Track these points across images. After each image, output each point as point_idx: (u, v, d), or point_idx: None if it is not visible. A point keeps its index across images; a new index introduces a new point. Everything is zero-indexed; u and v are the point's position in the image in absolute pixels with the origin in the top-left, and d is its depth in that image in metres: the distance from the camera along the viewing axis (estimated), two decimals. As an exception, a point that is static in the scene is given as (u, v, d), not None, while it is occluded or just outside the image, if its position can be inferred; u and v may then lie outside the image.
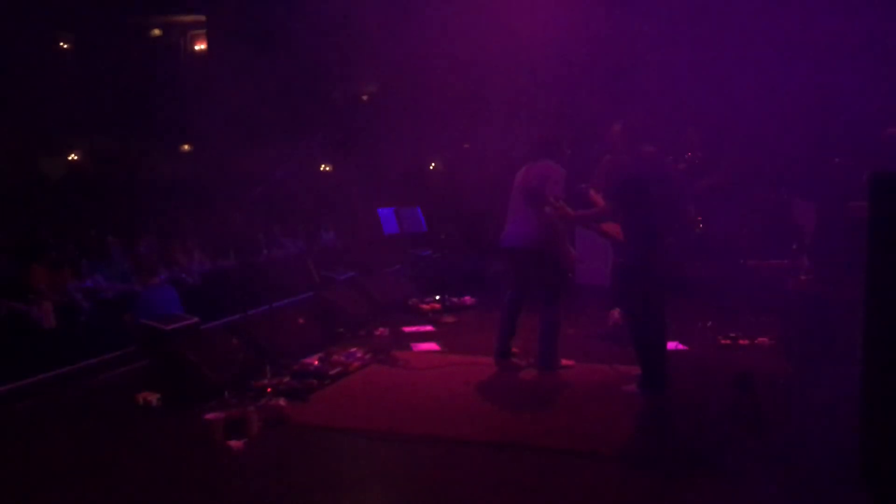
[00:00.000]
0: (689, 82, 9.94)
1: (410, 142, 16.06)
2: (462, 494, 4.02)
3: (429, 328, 8.07)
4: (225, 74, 15.28)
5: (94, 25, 17.62)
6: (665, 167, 5.62)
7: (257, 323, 6.66)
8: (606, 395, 5.61)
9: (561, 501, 3.94)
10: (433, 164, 19.53)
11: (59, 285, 8.06)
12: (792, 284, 5.90)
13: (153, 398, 5.47)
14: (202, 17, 19.60)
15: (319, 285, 9.32)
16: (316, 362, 6.33)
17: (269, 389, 5.62)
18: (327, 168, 19.64)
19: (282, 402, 5.31)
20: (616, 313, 7.29)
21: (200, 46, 20.16)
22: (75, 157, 18.83)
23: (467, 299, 9.34)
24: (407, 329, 7.97)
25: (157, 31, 19.97)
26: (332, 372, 6.11)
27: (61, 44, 18.63)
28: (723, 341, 6.96)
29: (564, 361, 6.32)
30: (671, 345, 6.50)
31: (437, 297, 9.21)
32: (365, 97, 19.30)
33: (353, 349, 6.73)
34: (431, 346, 7.27)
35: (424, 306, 9.00)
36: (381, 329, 7.80)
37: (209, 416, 4.84)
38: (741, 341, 6.93)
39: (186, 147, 19.54)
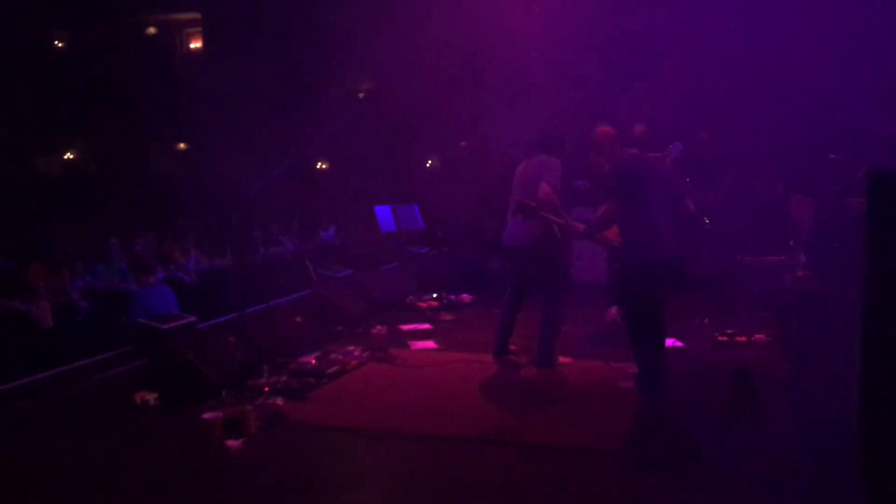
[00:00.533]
0: (686, 80, 9.94)
1: (407, 139, 16.06)
2: (460, 492, 4.02)
3: (426, 326, 8.06)
4: (220, 72, 15.26)
5: (89, 24, 17.58)
6: (659, 166, 5.59)
7: (254, 322, 6.65)
8: (604, 393, 5.62)
9: (560, 498, 3.94)
10: (430, 162, 19.53)
11: (57, 285, 8.05)
12: (789, 281, 5.89)
13: (151, 397, 5.46)
14: (197, 16, 19.56)
15: (317, 283, 9.31)
16: (313, 361, 6.33)
17: (266, 388, 5.61)
18: (324, 166, 19.63)
19: (279, 401, 5.31)
20: (613, 311, 7.30)
21: (196, 44, 20.12)
22: (71, 156, 18.80)
23: (465, 297, 9.34)
24: (404, 327, 7.97)
25: (152, 30, 19.92)
26: (330, 370, 6.11)
27: (56, 42, 18.58)
28: (720, 338, 6.97)
29: (562, 359, 6.33)
30: (668, 342, 6.49)
31: (435, 295, 9.21)
32: (361, 94, 19.28)
33: (351, 347, 6.73)
34: (429, 344, 7.27)
35: (422, 304, 9.00)
36: (378, 327, 7.80)
37: (207, 415, 4.83)
38: (738, 338, 6.94)
39: (182, 145, 19.51)
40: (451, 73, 13.13)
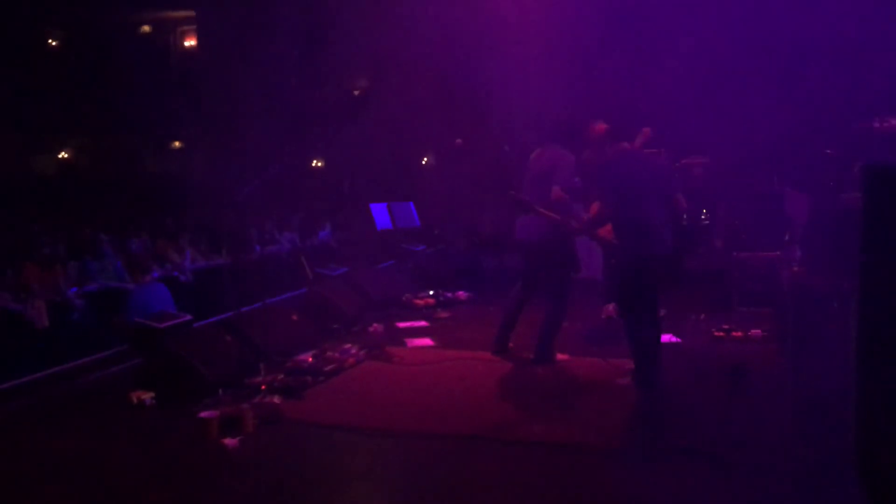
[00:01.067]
0: (681, 76, 9.94)
1: (403, 136, 16.03)
2: (457, 489, 4.02)
3: (423, 324, 8.06)
4: (215, 71, 15.23)
5: (83, 22, 17.54)
6: (651, 161, 5.58)
7: (251, 320, 6.64)
8: (601, 389, 5.62)
9: (556, 494, 3.95)
10: (425, 159, 19.51)
11: (52, 284, 8.03)
12: (785, 276, 5.90)
13: (147, 397, 5.45)
14: (192, 13, 19.52)
15: (313, 282, 9.30)
16: (310, 359, 6.32)
17: (263, 387, 5.61)
18: (319, 164, 19.61)
19: (276, 399, 5.31)
20: (610, 307, 7.30)
21: (190, 43, 20.07)
22: (66, 155, 18.76)
23: (461, 294, 9.34)
24: (401, 325, 7.97)
25: (146, 28, 19.87)
26: (327, 369, 6.11)
27: (50, 41, 18.54)
28: (716, 334, 6.98)
29: (559, 356, 6.33)
30: (665, 337, 6.51)
31: (431, 293, 9.21)
32: (356, 92, 19.25)
33: (348, 345, 6.72)
34: (426, 341, 7.27)
35: (418, 302, 9.00)
36: (375, 325, 7.79)
37: (204, 414, 4.84)
38: (735, 333, 6.95)
39: (177, 144, 19.48)
40: (447, 70, 13.10)
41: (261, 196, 7.90)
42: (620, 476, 4.14)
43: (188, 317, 7.22)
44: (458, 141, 15.26)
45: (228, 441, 4.63)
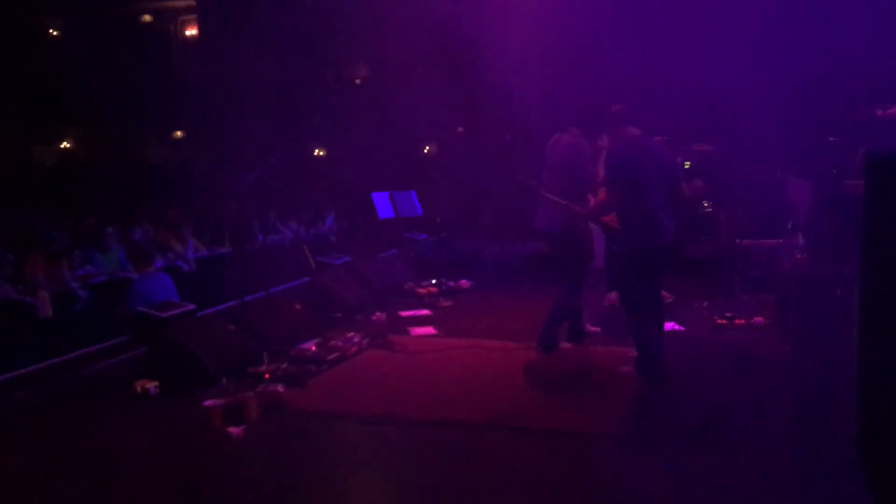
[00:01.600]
0: (684, 64, 9.90)
1: (405, 125, 16.01)
2: (460, 477, 4.04)
3: (426, 312, 8.07)
4: (216, 60, 15.20)
5: (83, 12, 17.49)
6: (656, 148, 5.53)
7: (254, 309, 6.66)
8: (603, 377, 5.63)
9: (559, 481, 3.96)
10: (428, 148, 19.48)
11: (56, 274, 8.05)
12: (788, 264, 5.90)
13: (151, 386, 5.48)
14: (192, 3, 19.45)
15: (315, 271, 9.31)
16: (313, 348, 6.35)
17: (266, 375, 5.63)
18: (321, 153, 19.59)
19: (280, 387, 5.32)
20: (613, 295, 7.30)
21: (191, 32, 20.02)
22: (67, 145, 18.75)
23: (464, 283, 9.35)
24: (404, 313, 7.98)
25: (147, 17, 19.82)
26: (330, 357, 6.13)
27: (51, 31, 18.50)
28: (719, 321, 6.98)
29: (564, 344, 6.33)
30: (668, 325, 6.51)
31: (434, 282, 9.22)
32: (358, 80, 19.21)
33: (351, 334, 6.73)
34: (428, 330, 7.28)
35: (421, 290, 9.01)
36: (377, 314, 7.80)
37: (208, 402, 4.85)
38: (737, 321, 6.95)
39: (179, 134, 19.46)
40: (449, 59, 13.07)
41: (263, 186, 7.90)
42: (622, 463, 4.16)
43: (191, 306, 7.25)
44: (461, 130, 15.24)
45: (232, 429, 4.65)
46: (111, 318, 7.42)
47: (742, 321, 6.94)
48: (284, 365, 5.88)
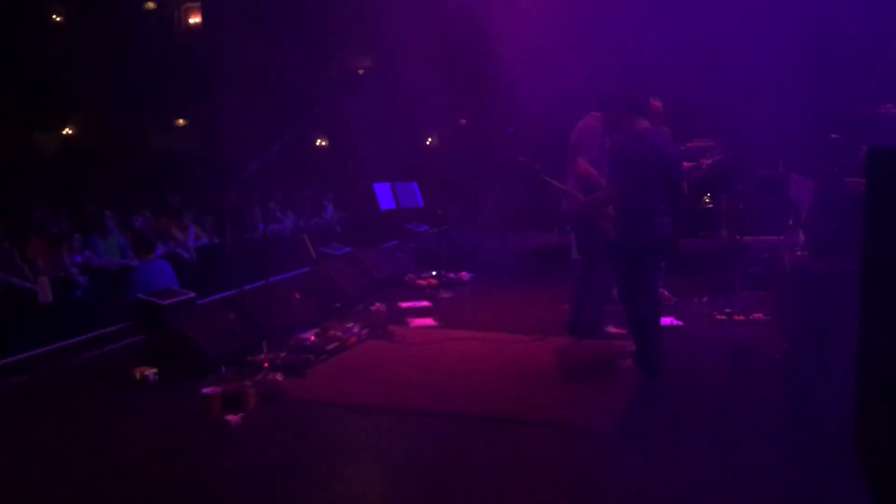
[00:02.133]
0: (684, 58, 9.87)
1: (407, 116, 15.99)
2: (458, 468, 4.05)
3: (425, 303, 8.08)
4: (219, 48, 15.16)
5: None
6: (661, 144, 5.50)
7: (254, 298, 6.65)
8: (602, 371, 5.64)
9: (556, 475, 3.96)
10: (430, 139, 19.47)
11: (57, 260, 8.06)
12: (788, 260, 5.90)
13: (150, 373, 5.49)
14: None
15: (315, 261, 9.31)
16: (312, 337, 6.35)
17: (265, 364, 5.63)
18: (323, 143, 19.58)
19: (278, 376, 5.32)
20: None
21: (195, 20, 19.95)
22: (69, 132, 18.72)
23: (464, 275, 9.35)
24: (404, 304, 7.99)
25: (151, 5, 19.75)
26: (329, 347, 6.13)
27: (54, 17, 18.45)
28: (718, 317, 6.98)
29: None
30: (667, 320, 6.52)
31: (434, 273, 9.22)
32: (361, 71, 19.17)
33: (350, 324, 6.74)
34: (428, 321, 7.29)
35: (421, 282, 9.01)
36: (377, 304, 7.77)
37: (206, 390, 4.86)
38: (737, 317, 6.95)
39: (181, 121, 19.44)
40: (452, 49, 13.04)
41: (264, 175, 7.89)
42: (620, 457, 4.16)
43: (191, 294, 7.24)
44: (463, 121, 15.22)
45: (230, 417, 4.66)
46: (111, 304, 7.42)
47: (741, 317, 6.94)
48: (283, 354, 5.88)
